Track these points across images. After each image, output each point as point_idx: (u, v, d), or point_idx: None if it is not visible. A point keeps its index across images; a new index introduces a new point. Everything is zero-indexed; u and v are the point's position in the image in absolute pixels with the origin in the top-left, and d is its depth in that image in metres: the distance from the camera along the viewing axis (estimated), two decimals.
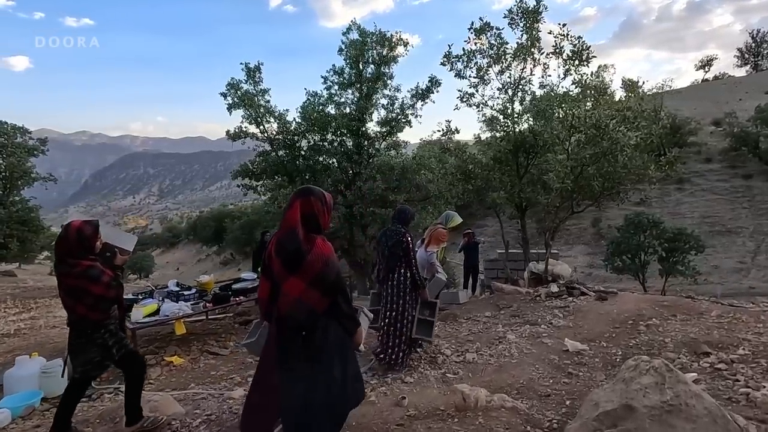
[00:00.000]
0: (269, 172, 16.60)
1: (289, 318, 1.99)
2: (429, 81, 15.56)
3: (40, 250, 27.74)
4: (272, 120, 16.22)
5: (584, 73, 6.49)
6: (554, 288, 5.63)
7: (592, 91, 6.20)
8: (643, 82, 35.94)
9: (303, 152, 16.35)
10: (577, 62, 6.47)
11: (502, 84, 7.22)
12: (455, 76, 7.80)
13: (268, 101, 16.62)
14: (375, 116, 16.64)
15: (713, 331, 3.76)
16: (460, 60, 7.28)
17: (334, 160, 15.94)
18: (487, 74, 7.28)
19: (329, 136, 16.94)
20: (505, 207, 7.17)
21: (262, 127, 16.44)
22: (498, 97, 7.26)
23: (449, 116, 16.72)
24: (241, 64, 16.47)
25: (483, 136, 8.21)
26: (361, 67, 16.47)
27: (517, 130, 6.88)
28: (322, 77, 17.20)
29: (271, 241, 2.12)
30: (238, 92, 16.14)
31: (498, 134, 7.17)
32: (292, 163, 16.57)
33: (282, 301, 1.99)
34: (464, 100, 8.29)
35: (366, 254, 15.48)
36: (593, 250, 30.26)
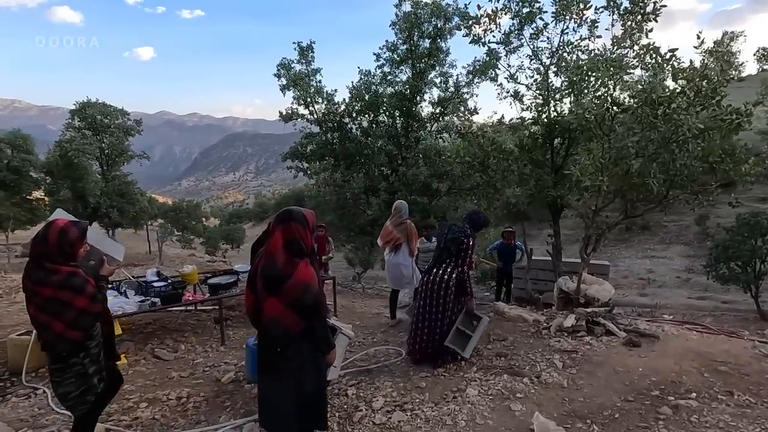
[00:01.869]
0: (318, 154, 16.28)
1: (266, 333, 2.22)
2: (487, 54, 13.80)
3: (132, 218, 31.09)
4: (320, 101, 15.75)
5: (648, 30, 4.73)
6: (569, 321, 4.24)
7: (655, 57, 4.48)
8: None
9: (350, 135, 15.70)
10: (638, 17, 4.75)
11: (533, 50, 5.67)
12: (472, 42, 6.35)
13: (320, 81, 16.20)
14: (428, 96, 15.37)
15: None
16: (481, 22, 5.81)
17: (381, 143, 15.05)
18: (517, 38, 5.77)
19: (381, 118, 16.09)
20: (525, 206, 5.74)
21: (311, 108, 16.09)
22: (528, 68, 5.75)
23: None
24: (293, 43, 16.19)
25: (506, 117, 6.76)
26: (415, 41, 15.23)
27: (552, 109, 5.37)
28: (374, 54, 16.29)
29: (258, 259, 2.27)
30: (290, 72, 15.91)
31: (527, 114, 5.68)
32: (341, 145, 16.05)
33: (263, 317, 2.19)
34: (484, 72, 6.80)
35: None
36: (695, 252, 25.86)
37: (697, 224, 27.47)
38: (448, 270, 3.83)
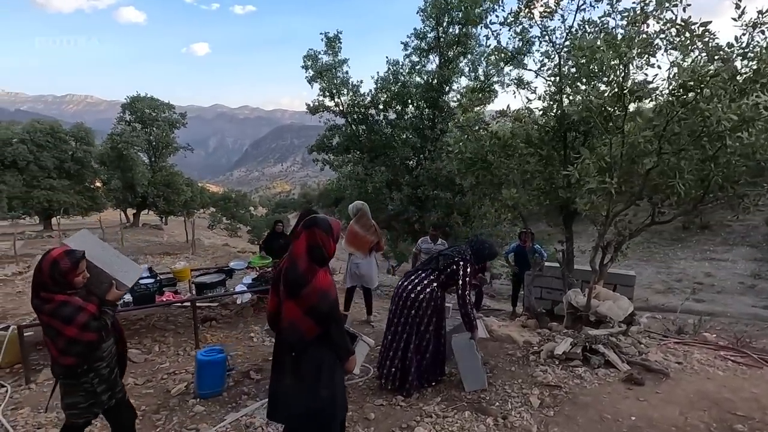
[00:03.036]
0: (343, 147, 16.02)
1: (283, 337, 2.25)
2: (520, 39, 12.80)
3: (179, 206, 32.62)
4: (345, 92, 15.42)
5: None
6: (562, 347, 3.62)
7: (683, 32, 3.68)
8: None
9: (374, 127, 15.27)
10: None
11: (543, 30, 4.93)
12: (466, 24, 5.65)
13: (346, 72, 15.87)
14: (456, 86, 14.60)
15: None
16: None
17: (405, 135, 14.51)
18: (525, 17, 5.05)
19: (410, 109, 15.54)
20: (523, 209, 5.04)
21: (337, 99, 15.81)
22: (537, 50, 5.02)
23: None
24: (320, 34, 15.94)
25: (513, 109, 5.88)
26: (444, 27, 14.47)
27: (567, 98, 4.62)
28: (402, 43, 15.70)
29: (283, 261, 2.30)
30: (317, 64, 15.69)
31: (537, 103, 4.94)
32: (367, 137, 15.67)
33: (282, 319, 2.23)
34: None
35: None
36: (764, 255, 23.25)
37: (767, 224, 24.64)
38: (425, 282, 3.42)
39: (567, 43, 4.68)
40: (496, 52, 5.30)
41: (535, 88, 5.18)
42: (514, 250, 7.82)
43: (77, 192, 30.93)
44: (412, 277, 3.49)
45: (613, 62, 3.52)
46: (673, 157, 3.92)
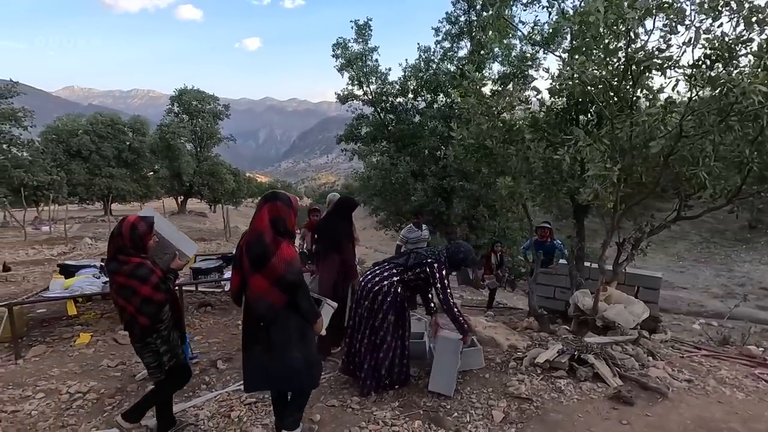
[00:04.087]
0: (371, 136, 15.79)
1: (252, 309, 2.32)
2: (556, 21, 11.87)
3: (226, 195, 34.02)
4: (374, 80, 15.13)
5: None
6: (547, 354, 3.19)
7: None
8: None
9: (402, 116, 14.89)
10: None
11: None
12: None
13: (376, 60, 15.57)
14: (487, 72, 13.85)
15: None
16: None
17: (434, 124, 14.01)
18: None
19: (440, 98, 15.02)
20: (521, 200, 4.52)
21: (366, 88, 15.57)
22: (548, 22, 4.43)
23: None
24: (350, 21, 15.72)
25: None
26: (478, 10, 13.78)
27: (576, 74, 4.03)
28: (433, 29, 15.14)
29: (243, 237, 2.40)
30: (347, 52, 15.51)
31: (546, 84, 4.39)
32: (396, 126, 15.33)
33: (248, 293, 2.32)
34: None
35: (456, 234, 13.49)
36: None
37: None
38: (385, 275, 3.15)
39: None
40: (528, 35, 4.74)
41: (548, 68, 4.61)
42: (534, 245, 7.27)
43: (133, 180, 33.04)
44: (376, 269, 3.22)
45: (614, 27, 2.98)
46: (695, 140, 3.34)
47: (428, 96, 14.91)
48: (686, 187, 3.94)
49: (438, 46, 14.91)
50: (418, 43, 15.43)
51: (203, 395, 3.22)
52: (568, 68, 3.30)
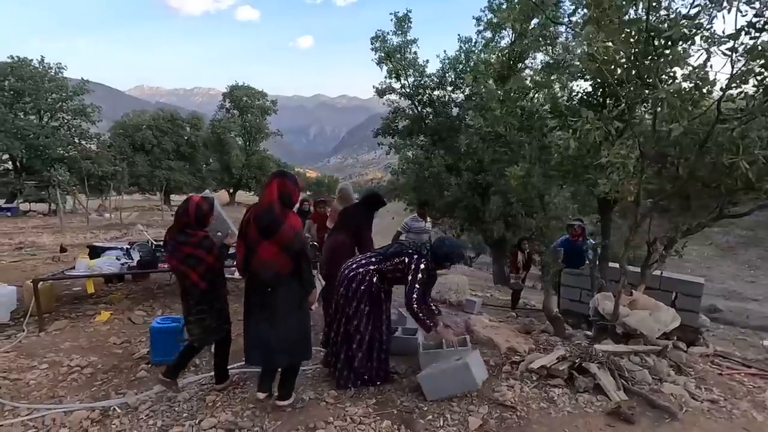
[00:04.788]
0: (407, 131, 15.55)
1: (258, 275, 2.55)
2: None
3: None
4: (412, 73, 14.85)
5: None
6: (544, 360, 2.87)
7: None
8: None
9: (438, 109, 14.52)
10: None
11: None
12: None
13: (415, 53, 15.28)
14: (530, 62, 13.12)
15: None
16: None
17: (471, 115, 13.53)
18: None
19: (481, 90, 14.49)
20: (533, 191, 4.11)
21: (404, 81, 15.33)
22: None
23: None
24: (390, 14, 15.55)
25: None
26: None
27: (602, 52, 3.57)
28: (474, 18, 14.59)
29: (249, 211, 2.66)
30: (385, 45, 15.35)
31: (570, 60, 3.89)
32: (435, 119, 14.99)
33: (254, 261, 2.55)
34: None
35: (492, 232, 12.96)
36: None
37: None
38: (362, 262, 3.04)
39: None
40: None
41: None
42: (563, 244, 6.78)
43: (190, 172, 35.07)
44: (358, 257, 3.09)
45: None
46: (737, 124, 2.88)
47: (466, 88, 14.42)
48: (727, 181, 3.42)
49: (479, 36, 14.36)
50: (459, 34, 14.95)
51: (188, 377, 3.23)
52: (576, 42, 2.95)
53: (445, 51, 14.46)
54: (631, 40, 2.87)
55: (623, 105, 2.89)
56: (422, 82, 14.71)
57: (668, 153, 3.34)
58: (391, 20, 15.32)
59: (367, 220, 4.02)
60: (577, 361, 2.86)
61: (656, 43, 2.75)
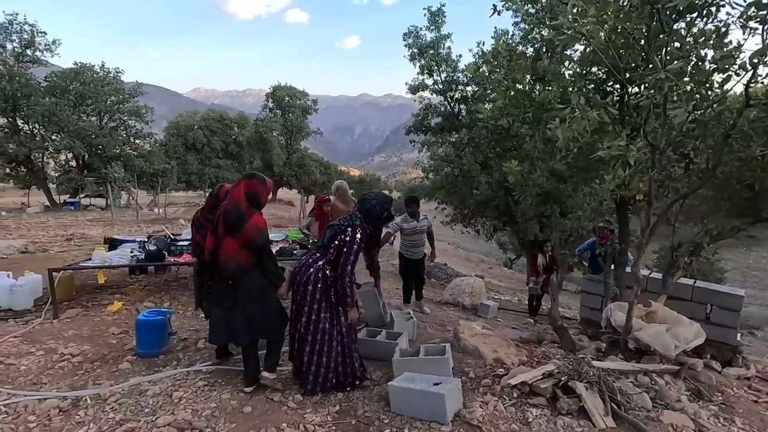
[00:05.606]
0: (439, 128, 15.19)
1: (222, 269, 2.73)
2: None
3: (317, 187, 35.96)
4: (444, 68, 14.47)
5: None
6: (525, 376, 2.57)
7: None
8: None
9: (472, 106, 14.03)
10: None
11: None
12: None
13: (449, 48, 14.89)
14: (570, 51, 12.34)
15: None
16: None
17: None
18: None
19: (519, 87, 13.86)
20: (532, 189, 3.71)
21: (437, 77, 14.98)
22: None
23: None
24: (424, 9, 15.25)
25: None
26: None
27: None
28: (512, 10, 13.92)
29: (221, 208, 2.82)
30: (418, 41, 15.08)
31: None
32: (467, 117, 14.54)
33: (221, 255, 2.72)
34: None
35: (525, 232, 12.31)
36: None
37: None
38: (310, 261, 2.91)
39: None
40: None
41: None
42: (590, 247, 6.29)
43: (237, 170, 36.58)
44: (306, 258, 2.96)
45: None
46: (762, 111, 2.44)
47: (503, 83, 13.83)
48: (763, 177, 2.93)
49: (516, 28, 13.73)
50: (495, 27, 14.36)
51: (165, 371, 3.24)
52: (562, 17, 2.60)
53: (478, 44, 13.96)
54: (633, 14, 2.50)
55: (620, 89, 2.53)
56: (455, 77, 14.31)
57: (686, 144, 2.92)
58: (425, 15, 15.03)
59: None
60: (563, 378, 2.54)
61: (659, 17, 2.37)
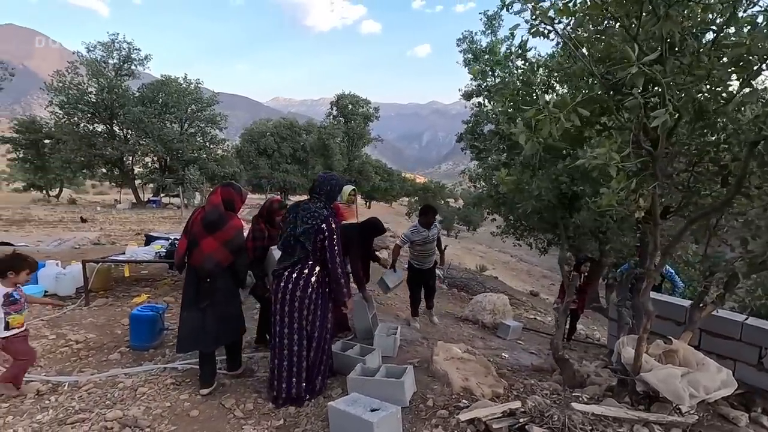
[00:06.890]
0: (493, 134, 14.56)
1: (199, 268, 2.83)
2: None
3: (379, 193, 36.53)
4: (498, 73, 13.88)
5: None
6: (481, 412, 2.24)
7: None
8: None
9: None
10: None
11: None
12: None
13: (507, 50, 14.28)
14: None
15: None
16: None
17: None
18: None
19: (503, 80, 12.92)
20: (529, 199, 3.22)
21: (491, 81, 14.43)
22: None
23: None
24: (480, 13, 14.80)
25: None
26: None
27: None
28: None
29: (196, 212, 3.02)
30: (473, 46, 14.66)
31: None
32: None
33: (196, 254, 2.85)
34: None
35: (581, 250, 11.29)
36: None
37: None
38: (305, 272, 2.79)
39: None
40: None
41: None
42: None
43: (302, 175, 38.30)
44: (288, 274, 2.79)
45: None
46: None
47: (563, 89, 12.93)
48: None
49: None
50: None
51: (145, 366, 3.35)
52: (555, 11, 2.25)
53: (535, 48, 13.25)
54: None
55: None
56: (508, 80, 13.65)
57: (722, 154, 2.41)
58: (481, 20, 14.59)
59: (360, 241, 4.28)
60: (521, 420, 2.19)
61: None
